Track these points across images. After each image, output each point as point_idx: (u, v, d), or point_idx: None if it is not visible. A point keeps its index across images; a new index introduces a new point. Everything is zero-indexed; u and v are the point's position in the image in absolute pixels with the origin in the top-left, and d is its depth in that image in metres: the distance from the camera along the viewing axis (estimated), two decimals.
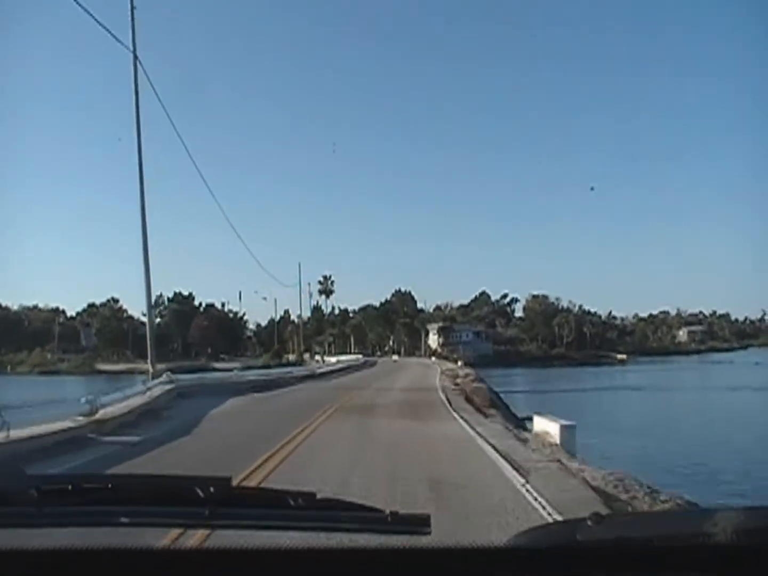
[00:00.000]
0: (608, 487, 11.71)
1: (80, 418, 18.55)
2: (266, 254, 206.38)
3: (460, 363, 77.74)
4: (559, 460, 14.16)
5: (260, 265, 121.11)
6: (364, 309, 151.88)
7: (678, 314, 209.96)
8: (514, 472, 12.20)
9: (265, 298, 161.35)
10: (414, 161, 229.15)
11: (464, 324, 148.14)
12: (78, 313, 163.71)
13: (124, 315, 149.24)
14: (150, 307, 34.06)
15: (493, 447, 15.30)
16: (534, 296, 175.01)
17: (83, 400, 19.55)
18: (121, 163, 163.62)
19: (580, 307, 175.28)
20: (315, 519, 1.93)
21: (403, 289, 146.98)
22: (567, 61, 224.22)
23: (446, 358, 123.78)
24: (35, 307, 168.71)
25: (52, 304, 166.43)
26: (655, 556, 1.68)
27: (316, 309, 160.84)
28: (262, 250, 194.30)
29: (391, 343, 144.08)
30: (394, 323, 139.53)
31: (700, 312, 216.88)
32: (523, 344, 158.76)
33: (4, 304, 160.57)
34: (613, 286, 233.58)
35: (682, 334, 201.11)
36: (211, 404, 26.23)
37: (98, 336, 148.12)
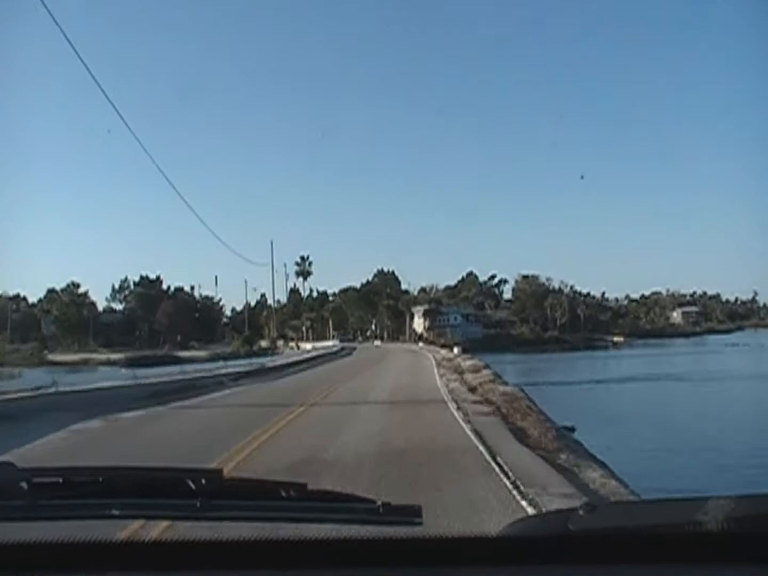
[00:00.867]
0: None
1: None
2: (240, 235, 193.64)
3: (456, 350, 64.15)
4: None
5: (221, 241, 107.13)
6: (344, 291, 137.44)
7: (671, 295, 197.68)
8: None
9: (246, 281, 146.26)
10: (395, 129, 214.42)
11: (452, 306, 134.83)
12: (39, 300, 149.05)
13: (86, 300, 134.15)
14: None
15: None
16: (524, 276, 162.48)
17: None
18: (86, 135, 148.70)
19: (572, 287, 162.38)
20: (307, 510, 1.93)
21: (386, 269, 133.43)
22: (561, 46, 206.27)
23: (433, 343, 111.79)
24: None
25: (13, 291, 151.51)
26: (646, 545, 1.68)
27: (293, 292, 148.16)
28: (236, 231, 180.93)
29: (373, 327, 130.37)
30: (377, 306, 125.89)
31: (694, 292, 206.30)
32: (514, 327, 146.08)
33: None
34: (602, 267, 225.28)
35: (676, 316, 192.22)
36: None
37: (56, 324, 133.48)
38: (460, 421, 16.40)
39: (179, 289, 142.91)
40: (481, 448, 12.28)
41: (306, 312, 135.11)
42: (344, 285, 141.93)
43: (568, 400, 34.25)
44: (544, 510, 8.31)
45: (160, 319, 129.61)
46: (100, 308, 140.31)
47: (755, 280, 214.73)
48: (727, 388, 43.73)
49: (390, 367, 41.58)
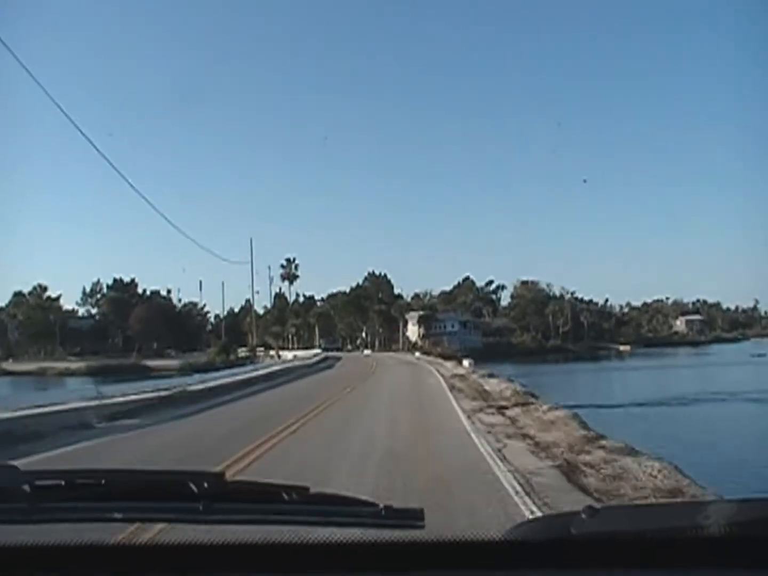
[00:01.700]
0: None
1: None
2: (228, 240, 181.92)
3: (467, 363, 49.30)
4: None
5: (186, 235, 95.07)
6: (333, 296, 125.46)
7: (674, 303, 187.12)
8: None
9: (223, 284, 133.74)
10: (388, 130, 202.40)
11: (448, 312, 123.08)
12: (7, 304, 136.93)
13: (53, 304, 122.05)
14: None
15: None
16: (523, 282, 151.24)
17: None
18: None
19: (572, 294, 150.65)
20: (309, 513, 1.91)
21: (377, 272, 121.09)
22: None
23: (429, 353, 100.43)
24: None
25: None
26: (649, 548, 1.68)
27: (279, 297, 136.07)
28: (222, 235, 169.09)
29: (363, 334, 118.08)
30: (368, 311, 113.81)
31: (698, 300, 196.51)
32: (514, 335, 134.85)
33: None
34: (602, 274, 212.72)
35: (680, 324, 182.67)
36: None
37: (21, 330, 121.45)
38: None
39: (155, 293, 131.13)
40: None
41: (291, 318, 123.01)
42: (334, 290, 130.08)
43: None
44: None
45: (133, 325, 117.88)
46: (79, 313, 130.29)
47: (756, 289, 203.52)
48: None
49: (380, 391, 28.64)
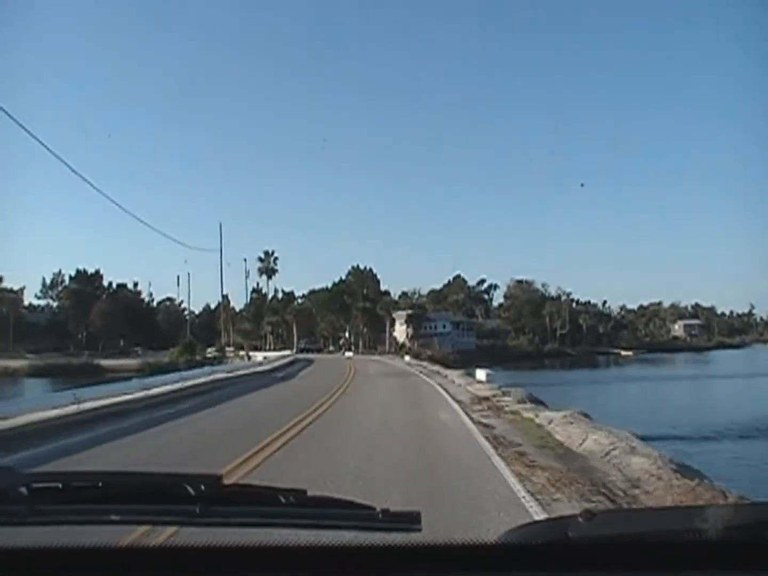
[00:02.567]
0: None
1: None
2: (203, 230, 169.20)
3: (483, 374, 31.41)
4: None
5: (140, 220, 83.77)
6: (315, 293, 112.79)
7: (672, 306, 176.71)
8: None
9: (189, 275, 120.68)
10: (379, 124, 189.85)
11: (440, 312, 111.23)
12: None
13: (7, 296, 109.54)
14: None
15: None
16: (518, 282, 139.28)
17: None
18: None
19: (569, 295, 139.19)
20: (306, 516, 1.90)
21: (362, 266, 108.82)
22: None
23: (418, 356, 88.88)
24: None
25: None
26: (646, 552, 1.67)
27: (256, 292, 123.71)
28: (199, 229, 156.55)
29: (347, 334, 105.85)
30: (351, 309, 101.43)
31: (696, 304, 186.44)
32: (508, 337, 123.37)
33: None
34: (595, 276, 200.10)
35: (678, 328, 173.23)
36: None
37: None
38: None
39: (122, 287, 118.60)
40: None
41: (268, 315, 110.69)
42: (316, 287, 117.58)
43: None
44: None
45: (94, 321, 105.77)
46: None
47: (750, 294, 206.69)
48: None
49: (343, 450, 13.08)
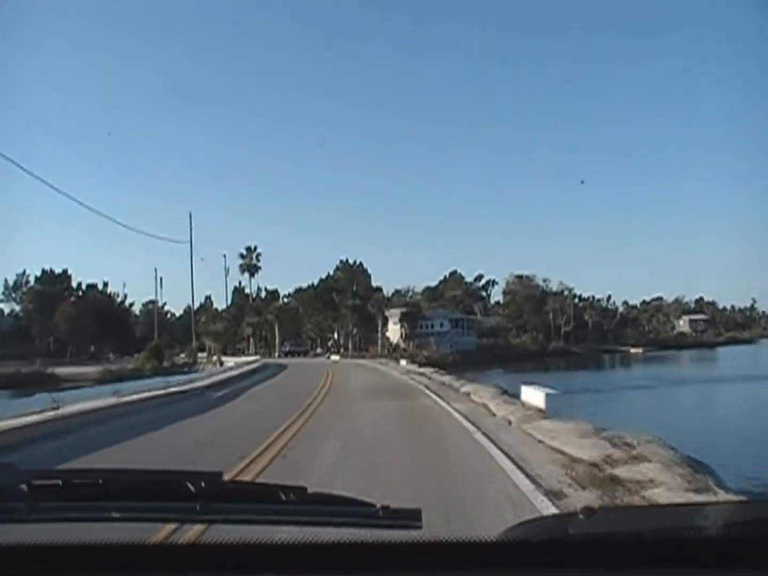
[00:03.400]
0: None
1: None
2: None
3: (540, 394, 18.34)
4: None
5: (99, 213, 73.85)
6: (302, 291, 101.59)
7: (676, 301, 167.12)
8: None
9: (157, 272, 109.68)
10: (373, 121, 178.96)
11: (437, 309, 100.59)
12: None
13: None
14: None
15: None
16: (518, 277, 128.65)
17: None
18: None
19: (571, 290, 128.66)
20: (307, 513, 1.88)
21: (351, 261, 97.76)
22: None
23: (414, 357, 78.61)
24: None
25: None
26: (646, 549, 1.66)
27: (238, 291, 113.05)
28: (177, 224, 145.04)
29: (335, 335, 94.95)
30: (339, 307, 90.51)
31: (700, 299, 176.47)
32: (509, 335, 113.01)
33: None
34: (594, 271, 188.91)
35: (683, 324, 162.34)
36: None
37: None
38: None
39: (92, 287, 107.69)
40: None
41: (250, 315, 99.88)
42: (303, 285, 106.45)
43: None
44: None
45: (59, 324, 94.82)
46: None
47: (752, 288, 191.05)
48: None
49: None
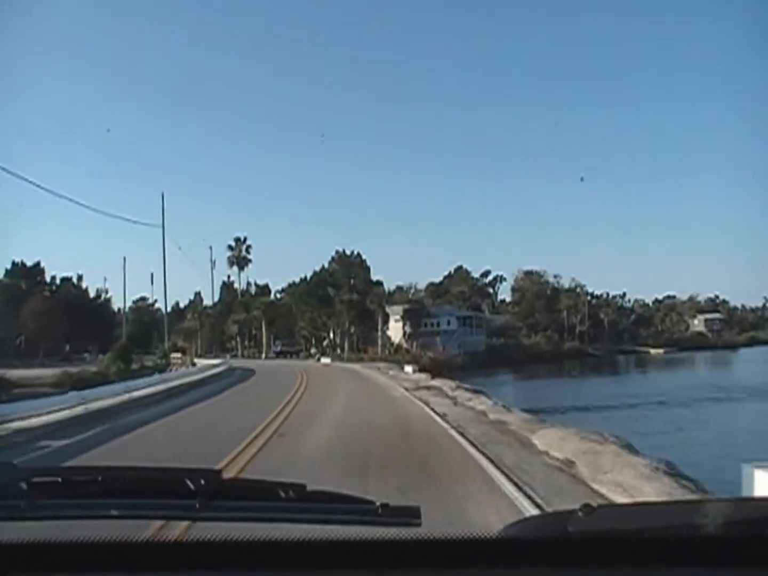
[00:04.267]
0: None
1: None
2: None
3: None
4: None
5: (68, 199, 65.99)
6: (295, 285, 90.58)
7: (690, 300, 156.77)
8: None
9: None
10: (377, 116, 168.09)
11: (443, 306, 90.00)
12: None
13: None
14: None
15: None
16: (527, 273, 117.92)
17: None
18: None
19: (582, 287, 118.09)
20: (306, 511, 1.87)
21: (348, 251, 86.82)
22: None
23: (417, 359, 68.57)
24: None
25: None
26: (646, 547, 1.65)
27: (226, 286, 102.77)
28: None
29: (330, 334, 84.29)
30: (335, 303, 79.71)
31: (716, 297, 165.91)
32: (520, 335, 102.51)
33: None
34: (602, 267, 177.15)
35: (698, 323, 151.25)
36: None
37: None
38: None
39: (66, 280, 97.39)
40: None
41: (238, 312, 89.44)
42: (296, 279, 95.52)
43: None
44: None
45: (25, 322, 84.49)
46: None
47: (763, 287, 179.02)
48: None
49: None
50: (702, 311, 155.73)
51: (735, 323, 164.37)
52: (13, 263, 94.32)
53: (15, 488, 1.83)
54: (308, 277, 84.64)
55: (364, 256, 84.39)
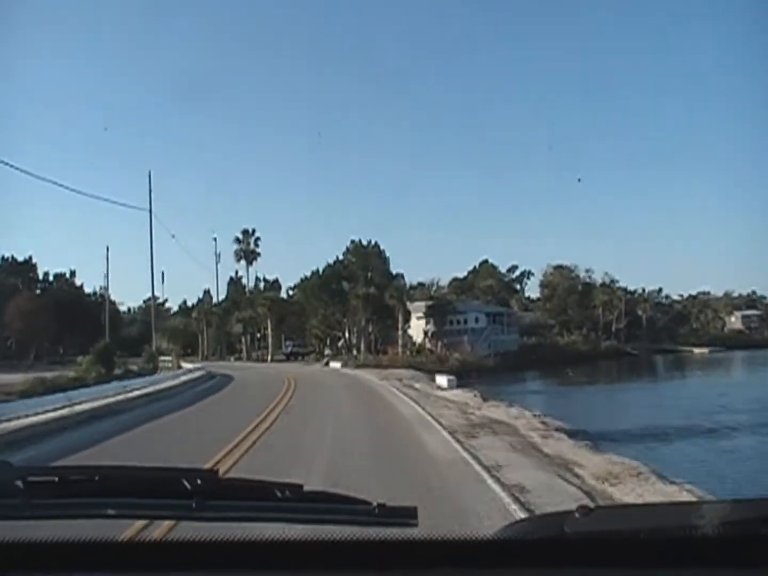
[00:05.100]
0: None
1: None
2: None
3: None
4: None
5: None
6: (307, 280, 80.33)
7: (725, 295, 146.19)
8: None
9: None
10: (381, 107, 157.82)
11: (469, 302, 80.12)
12: None
13: None
14: None
15: None
16: (557, 267, 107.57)
17: None
18: None
19: (614, 282, 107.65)
20: (302, 511, 1.85)
21: (365, 241, 76.60)
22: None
23: (443, 361, 59.37)
24: None
25: None
26: (642, 548, 1.62)
27: (234, 282, 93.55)
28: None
29: (346, 334, 74.47)
30: (350, 298, 69.84)
31: (753, 292, 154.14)
32: (551, 333, 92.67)
33: None
34: (630, 261, 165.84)
35: (734, 320, 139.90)
36: None
37: None
38: None
39: (59, 277, 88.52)
40: None
41: (245, 310, 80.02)
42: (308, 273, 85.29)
43: None
44: None
45: (10, 323, 75.81)
46: None
47: None
48: None
49: None
50: (738, 307, 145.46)
51: None
52: (2, 258, 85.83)
53: (11, 487, 1.80)
54: (320, 271, 74.64)
55: (382, 247, 74.37)
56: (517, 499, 9.79)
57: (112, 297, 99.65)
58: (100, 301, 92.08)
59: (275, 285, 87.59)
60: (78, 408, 21.76)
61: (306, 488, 1.82)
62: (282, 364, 61.45)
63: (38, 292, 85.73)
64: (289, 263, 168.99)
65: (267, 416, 21.04)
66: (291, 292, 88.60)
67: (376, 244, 73.98)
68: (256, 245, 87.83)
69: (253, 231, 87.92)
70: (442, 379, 35.74)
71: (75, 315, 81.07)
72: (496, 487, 10.71)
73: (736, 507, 1.71)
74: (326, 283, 71.44)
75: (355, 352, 70.09)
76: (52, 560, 1.68)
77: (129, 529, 3.51)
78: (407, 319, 71.50)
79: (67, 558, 1.68)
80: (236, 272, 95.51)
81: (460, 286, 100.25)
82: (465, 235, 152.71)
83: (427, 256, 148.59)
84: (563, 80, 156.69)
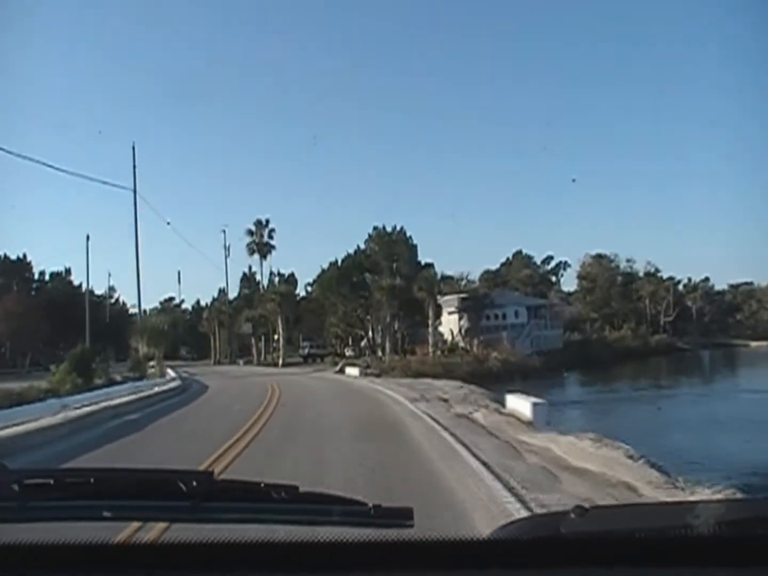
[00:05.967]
0: None
1: None
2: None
3: None
4: None
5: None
6: (325, 272, 70.39)
7: None
8: None
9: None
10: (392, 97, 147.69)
11: (507, 294, 70.29)
12: None
13: None
14: None
15: None
16: (596, 257, 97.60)
17: None
18: None
19: (658, 272, 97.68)
20: (298, 512, 1.83)
21: (389, 228, 67.03)
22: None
23: (480, 361, 50.10)
24: None
25: None
26: (638, 548, 1.61)
27: (247, 278, 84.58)
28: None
29: (369, 333, 64.79)
30: (373, 291, 60.05)
31: None
32: (594, 327, 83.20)
33: None
34: (667, 250, 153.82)
35: None
36: None
37: None
38: None
39: (56, 275, 79.98)
40: None
41: (254, 308, 70.79)
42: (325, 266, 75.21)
43: None
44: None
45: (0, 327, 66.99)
46: None
47: None
48: None
49: None
50: None
51: None
52: None
53: (7, 489, 1.78)
54: (339, 262, 64.99)
55: (408, 233, 64.48)
56: None
57: (123, 299, 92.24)
58: (103, 302, 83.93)
59: (290, 280, 78.07)
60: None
61: (302, 489, 1.79)
62: (288, 371, 52.06)
63: (32, 293, 77.21)
64: (306, 257, 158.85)
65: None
66: (309, 289, 79.55)
67: (402, 230, 64.27)
68: (270, 237, 78.57)
69: (267, 222, 78.67)
70: (516, 402, 18.76)
71: (74, 316, 72.53)
72: None
73: (732, 506, 1.71)
74: (346, 275, 61.80)
75: (379, 352, 60.53)
76: (48, 563, 1.65)
77: (124, 531, 3.43)
78: (438, 315, 61.75)
79: (62, 560, 1.66)
80: (249, 267, 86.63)
81: (493, 278, 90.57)
82: (495, 225, 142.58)
83: (454, 247, 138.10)
84: (609, 61, 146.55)
